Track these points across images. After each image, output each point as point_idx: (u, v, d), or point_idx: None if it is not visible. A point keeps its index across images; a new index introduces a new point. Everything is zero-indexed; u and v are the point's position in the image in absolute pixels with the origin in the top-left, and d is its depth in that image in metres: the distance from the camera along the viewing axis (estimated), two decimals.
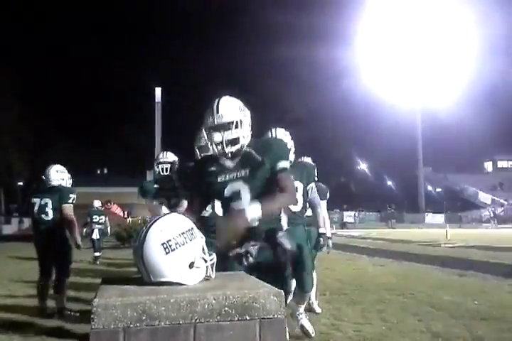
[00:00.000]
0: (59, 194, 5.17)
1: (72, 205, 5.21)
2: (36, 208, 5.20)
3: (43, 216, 5.15)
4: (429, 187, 57.54)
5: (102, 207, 12.59)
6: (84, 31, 60.49)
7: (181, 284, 1.77)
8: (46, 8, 56.57)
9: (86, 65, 52.34)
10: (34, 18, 55.73)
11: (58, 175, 5.31)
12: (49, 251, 5.17)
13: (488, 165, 65.11)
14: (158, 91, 29.79)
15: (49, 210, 5.13)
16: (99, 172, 51.43)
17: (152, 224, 1.84)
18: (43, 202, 5.18)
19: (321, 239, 4.33)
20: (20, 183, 42.73)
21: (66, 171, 5.46)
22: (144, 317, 1.51)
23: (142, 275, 1.81)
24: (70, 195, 5.22)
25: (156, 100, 29.54)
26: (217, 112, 2.40)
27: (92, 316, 1.50)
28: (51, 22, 57.25)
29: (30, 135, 38.93)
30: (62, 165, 5.54)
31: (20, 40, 52.06)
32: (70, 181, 5.48)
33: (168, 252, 1.76)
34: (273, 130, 3.99)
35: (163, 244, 1.77)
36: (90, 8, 61.79)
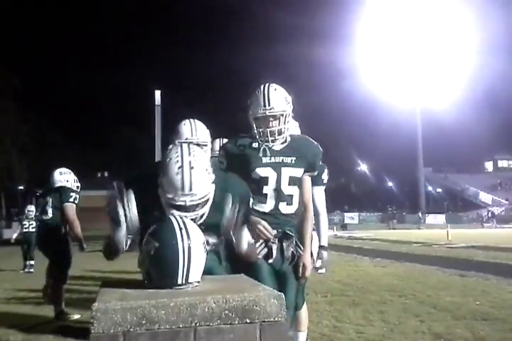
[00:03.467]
0: (60, 192, 5.12)
1: (74, 205, 5.11)
2: (39, 209, 5.21)
3: (43, 216, 5.11)
4: (430, 188, 57.53)
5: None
6: (84, 34, 60.59)
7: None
8: (46, 9, 56.67)
9: (86, 68, 52.44)
10: (34, 19, 55.87)
11: (62, 176, 5.27)
12: (47, 251, 5.15)
13: (489, 165, 65.12)
14: (157, 94, 29.74)
15: (48, 209, 5.09)
16: (99, 175, 51.46)
17: (185, 223, 1.79)
18: (44, 202, 5.16)
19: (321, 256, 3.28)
20: (21, 187, 42.68)
21: (71, 173, 5.40)
22: (143, 321, 1.50)
23: (168, 278, 1.74)
24: (71, 194, 5.12)
25: (156, 103, 29.48)
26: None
27: (91, 320, 1.49)
28: (51, 24, 57.39)
29: (30, 138, 38.97)
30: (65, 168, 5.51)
31: (20, 42, 52.14)
32: (77, 184, 5.38)
33: (205, 252, 1.79)
34: None
35: (203, 244, 1.79)
36: (91, 9, 61.91)
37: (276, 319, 1.61)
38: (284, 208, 2.49)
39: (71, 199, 5.10)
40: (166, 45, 61.44)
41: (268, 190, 2.47)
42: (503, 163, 64.32)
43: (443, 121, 48.43)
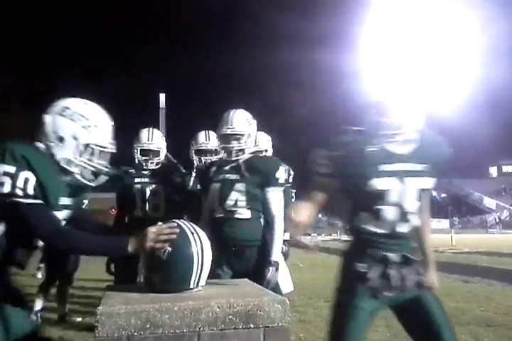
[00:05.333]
0: None
1: None
2: None
3: None
4: (434, 193, 57.36)
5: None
6: (88, 36, 60.87)
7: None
8: (49, 10, 57.04)
9: (90, 71, 52.65)
10: (36, 19, 56.19)
11: None
12: (54, 255, 5.15)
13: (493, 170, 64.91)
14: (162, 97, 29.78)
15: None
16: None
17: (195, 228, 1.81)
18: None
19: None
20: None
21: None
22: (147, 326, 1.51)
23: (181, 282, 1.74)
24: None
25: (161, 106, 29.53)
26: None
27: (96, 324, 1.49)
28: (56, 25, 57.69)
29: (32, 138, 39.03)
30: None
31: (22, 41, 52.38)
32: None
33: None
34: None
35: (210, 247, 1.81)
36: (95, 12, 62.25)
37: (279, 324, 1.61)
38: (402, 227, 1.98)
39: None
40: (171, 49, 61.70)
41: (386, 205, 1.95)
42: (507, 168, 64.08)
43: (447, 126, 48.27)
